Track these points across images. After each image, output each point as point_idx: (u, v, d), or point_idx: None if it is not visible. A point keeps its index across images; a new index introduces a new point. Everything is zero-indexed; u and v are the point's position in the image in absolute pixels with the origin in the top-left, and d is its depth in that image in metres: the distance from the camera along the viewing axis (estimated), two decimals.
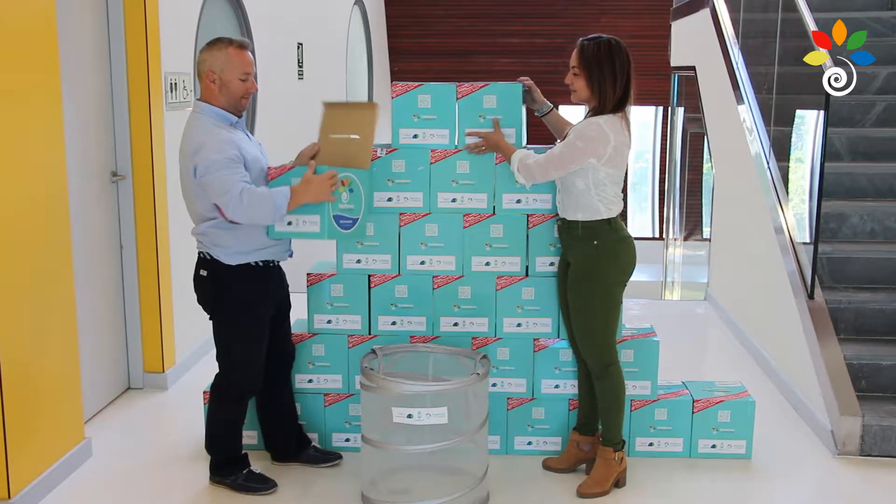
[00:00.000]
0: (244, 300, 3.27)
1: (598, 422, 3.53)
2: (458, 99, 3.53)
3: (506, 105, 3.51)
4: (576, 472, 3.59)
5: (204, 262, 3.25)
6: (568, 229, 3.33)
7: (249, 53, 3.22)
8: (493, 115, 3.52)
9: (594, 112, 3.24)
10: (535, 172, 3.27)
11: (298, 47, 7.46)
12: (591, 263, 3.28)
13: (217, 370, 3.38)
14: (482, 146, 3.48)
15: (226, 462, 3.43)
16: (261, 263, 3.27)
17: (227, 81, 3.14)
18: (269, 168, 3.29)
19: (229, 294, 3.25)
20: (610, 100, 3.20)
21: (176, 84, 4.61)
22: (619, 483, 3.45)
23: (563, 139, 3.30)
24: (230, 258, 3.21)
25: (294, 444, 3.63)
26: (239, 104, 3.20)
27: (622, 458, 3.44)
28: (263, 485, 3.42)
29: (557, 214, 3.45)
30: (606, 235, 3.26)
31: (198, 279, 3.29)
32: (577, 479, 3.53)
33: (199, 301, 3.36)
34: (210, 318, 3.35)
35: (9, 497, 3.14)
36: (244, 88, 3.18)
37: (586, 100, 3.27)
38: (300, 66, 7.50)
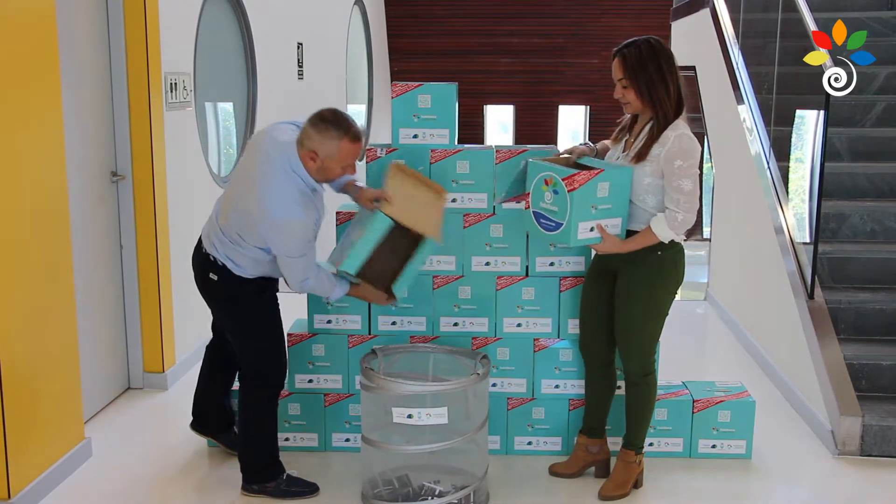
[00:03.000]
0: (260, 296, 3.28)
1: (605, 424, 3.53)
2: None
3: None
4: (583, 476, 3.58)
5: (215, 266, 3.19)
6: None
7: (361, 144, 3.12)
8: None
9: (660, 122, 3.09)
10: (692, 217, 3.07)
11: (298, 47, 7.46)
12: (654, 273, 3.20)
13: (245, 374, 3.34)
14: (605, 242, 3.16)
15: (266, 466, 3.37)
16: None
17: (328, 168, 3.06)
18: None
19: (245, 295, 3.24)
20: (669, 103, 3.08)
21: (176, 84, 4.61)
22: (636, 484, 3.46)
23: (633, 154, 3.12)
24: (242, 272, 3.20)
25: (222, 418, 3.65)
26: (326, 182, 3.17)
27: (641, 460, 3.45)
28: (307, 488, 3.40)
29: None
30: (669, 245, 3.19)
31: (207, 280, 3.25)
32: (575, 480, 3.54)
33: (210, 302, 3.34)
34: (223, 317, 3.34)
35: (9, 497, 3.14)
36: (341, 174, 3.13)
37: (642, 110, 3.16)
38: (300, 66, 7.50)
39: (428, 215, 3.33)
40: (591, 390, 3.52)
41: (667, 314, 3.30)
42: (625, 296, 3.25)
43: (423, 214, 3.30)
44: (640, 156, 3.11)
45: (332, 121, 3.03)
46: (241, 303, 3.26)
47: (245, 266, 3.18)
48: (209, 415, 3.66)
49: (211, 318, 3.54)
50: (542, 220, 3.17)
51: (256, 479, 3.36)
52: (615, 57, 3.14)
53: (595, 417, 3.52)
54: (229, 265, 3.18)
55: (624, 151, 3.22)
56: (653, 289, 3.23)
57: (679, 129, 3.08)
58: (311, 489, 3.40)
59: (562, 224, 3.09)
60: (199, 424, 3.68)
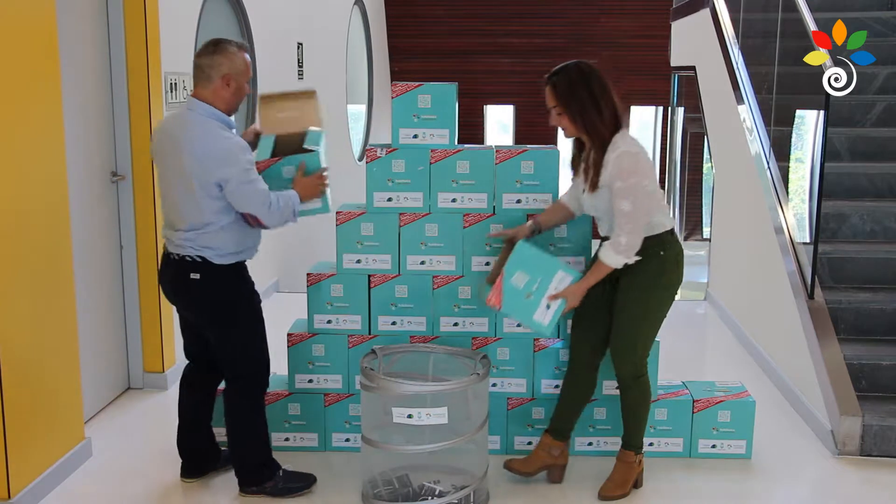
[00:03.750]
0: (243, 292, 3.28)
1: (573, 429, 3.51)
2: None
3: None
4: (579, 476, 3.58)
5: (193, 265, 3.17)
6: None
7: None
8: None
9: (598, 147, 3.11)
10: (636, 239, 3.09)
11: (298, 47, 7.46)
12: (657, 273, 3.21)
13: (231, 378, 3.31)
14: (569, 300, 3.23)
15: (262, 466, 3.35)
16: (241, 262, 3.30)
17: (241, 86, 3.18)
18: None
19: (229, 291, 3.24)
20: (603, 126, 3.09)
21: (176, 84, 4.61)
22: (636, 483, 3.46)
23: (587, 185, 3.15)
24: (221, 258, 3.19)
25: (214, 447, 3.55)
26: (236, 108, 3.25)
27: (641, 460, 3.45)
28: (304, 481, 3.41)
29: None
30: (671, 245, 3.22)
31: (187, 283, 3.19)
32: (573, 480, 3.54)
33: (192, 307, 3.29)
34: (206, 322, 3.29)
35: (9, 497, 3.14)
36: (246, 92, 3.25)
37: (579, 135, 3.18)
38: (300, 66, 7.50)
39: (302, 116, 3.41)
40: (568, 392, 3.48)
41: (665, 317, 3.30)
42: (627, 297, 3.24)
43: (297, 119, 3.40)
44: (594, 185, 3.15)
45: (219, 41, 3.18)
46: (225, 293, 3.22)
47: (222, 244, 3.16)
48: (202, 451, 3.53)
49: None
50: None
51: (254, 480, 3.35)
52: (546, 85, 3.15)
53: (565, 420, 3.48)
54: (207, 253, 3.15)
55: (585, 181, 3.21)
56: (655, 289, 3.23)
57: (618, 150, 3.08)
58: (308, 481, 3.41)
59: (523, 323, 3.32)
60: (193, 467, 3.51)
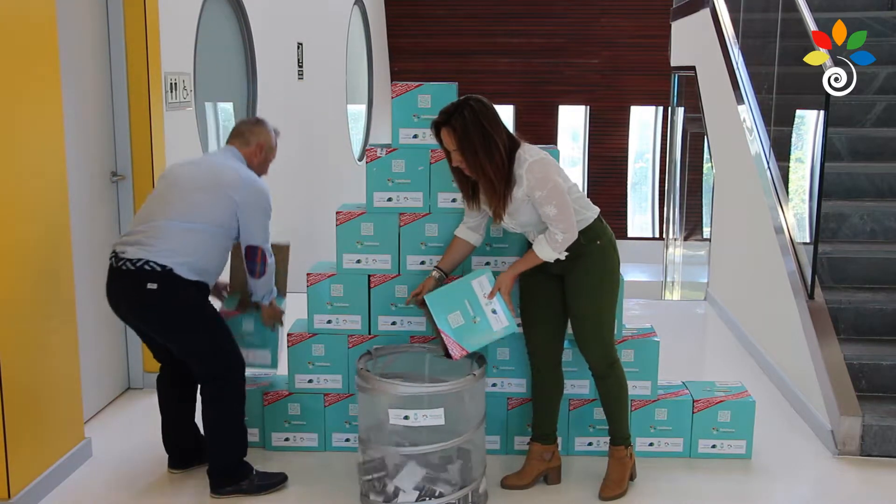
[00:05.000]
0: (198, 297, 3.27)
1: (556, 429, 3.50)
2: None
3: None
4: (575, 477, 3.58)
5: (153, 274, 3.13)
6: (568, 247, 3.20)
7: None
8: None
9: (495, 185, 3.10)
10: (572, 233, 3.13)
11: (298, 47, 7.46)
12: (601, 260, 3.26)
13: (206, 380, 3.31)
14: (504, 289, 3.25)
15: (239, 465, 3.37)
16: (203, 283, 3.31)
17: (268, 159, 3.55)
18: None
19: (184, 298, 3.21)
20: (501, 160, 3.08)
21: (176, 84, 4.61)
22: (632, 475, 3.47)
23: (499, 209, 3.15)
24: (189, 273, 3.18)
25: (199, 442, 3.57)
26: (263, 175, 3.55)
27: (632, 453, 3.45)
28: (276, 478, 3.44)
29: None
30: (604, 232, 3.27)
31: (143, 295, 3.14)
32: (572, 480, 3.54)
33: (149, 316, 3.24)
34: (166, 332, 3.26)
35: (9, 497, 3.14)
36: (268, 166, 3.60)
37: (475, 176, 3.15)
38: (300, 66, 7.50)
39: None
40: (541, 395, 3.47)
41: (618, 299, 3.36)
42: (581, 292, 3.28)
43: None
44: (500, 214, 3.17)
45: (261, 121, 3.59)
46: (183, 301, 3.20)
47: (201, 256, 3.21)
48: (186, 447, 3.56)
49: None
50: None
51: (227, 482, 3.35)
52: (442, 128, 3.11)
53: (545, 422, 3.48)
54: (172, 263, 3.14)
55: (491, 213, 3.21)
56: (603, 277, 3.28)
57: (525, 163, 3.10)
58: (280, 478, 3.45)
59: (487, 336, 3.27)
60: (179, 460, 3.56)
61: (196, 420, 3.59)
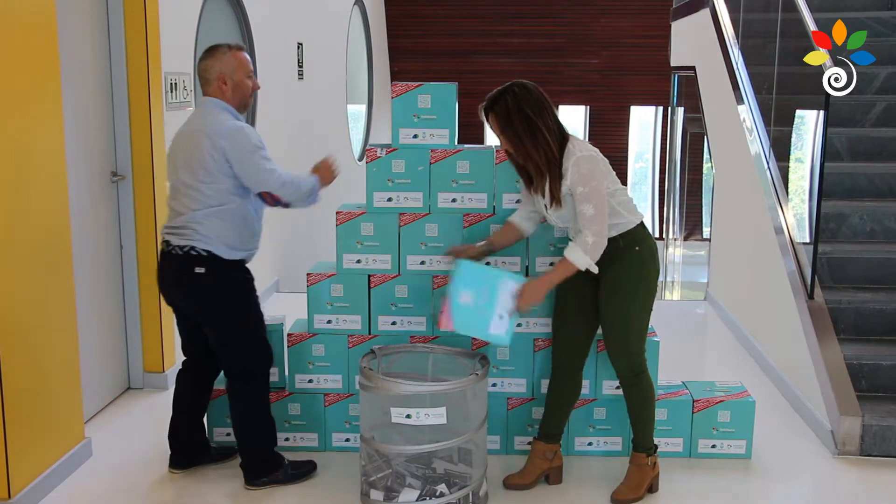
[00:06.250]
0: (246, 286, 3.35)
1: (563, 430, 3.50)
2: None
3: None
4: (575, 478, 3.58)
5: (199, 259, 3.22)
6: (606, 249, 3.14)
7: (245, 50, 3.42)
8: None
9: (542, 172, 3.10)
10: (602, 240, 3.08)
11: (298, 47, 7.46)
12: (636, 269, 3.22)
13: (235, 372, 3.35)
14: (530, 304, 3.19)
15: (272, 455, 3.43)
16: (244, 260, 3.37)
17: (239, 82, 3.31)
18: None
19: (232, 285, 3.29)
20: (550, 147, 3.08)
21: (176, 84, 4.61)
22: (652, 488, 3.43)
23: (551, 197, 3.12)
24: (228, 252, 3.24)
25: (203, 443, 3.61)
26: (247, 102, 3.40)
27: (655, 462, 3.42)
28: (307, 467, 3.51)
29: None
30: (645, 239, 3.23)
31: (192, 277, 3.23)
32: (572, 480, 3.54)
33: (194, 301, 3.31)
34: (209, 317, 3.33)
35: (9, 497, 3.14)
36: (251, 86, 3.37)
37: (523, 162, 3.15)
38: (300, 66, 7.50)
39: None
40: (556, 394, 3.46)
41: (651, 309, 3.31)
42: (612, 296, 3.24)
43: None
44: (556, 201, 3.14)
45: (213, 46, 3.35)
46: (229, 287, 3.28)
47: (227, 234, 3.22)
48: (193, 444, 3.58)
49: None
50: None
51: (261, 473, 3.40)
52: (488, 114, 3.13)
53: (555, 423, 3.47)
54: (214, 246, 3.20)
55: (544, 198, 3.19)
56: (638, 285, 3.24)
57: (573, 156, 3.08)
58: (311, 466, 3.52)
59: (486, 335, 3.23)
60: (182, 459, 3.56)
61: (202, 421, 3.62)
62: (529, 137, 3.07)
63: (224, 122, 3.23)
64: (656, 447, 3.43)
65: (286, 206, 3.39)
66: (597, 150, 3.16)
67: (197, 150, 3.19)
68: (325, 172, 3.48)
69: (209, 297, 3.29)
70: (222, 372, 3.49)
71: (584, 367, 3.45)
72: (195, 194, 3.22)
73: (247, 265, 3.38)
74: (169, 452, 3.60)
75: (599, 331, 3.39)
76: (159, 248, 3.36)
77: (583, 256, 3.08)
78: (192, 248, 3.22)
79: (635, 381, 3.33)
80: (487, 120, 3.16)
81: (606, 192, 3.11)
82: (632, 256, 3.20)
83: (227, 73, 3.29)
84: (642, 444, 3.39)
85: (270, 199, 3.33)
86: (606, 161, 3.17)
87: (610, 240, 3.15)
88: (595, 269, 3.12)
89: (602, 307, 3.28)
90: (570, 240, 3.20)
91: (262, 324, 3.41)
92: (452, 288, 3.18)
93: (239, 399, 3.38)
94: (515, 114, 3.07)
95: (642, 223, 3.25)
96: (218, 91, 3.29)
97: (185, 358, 3.54)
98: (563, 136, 3.13)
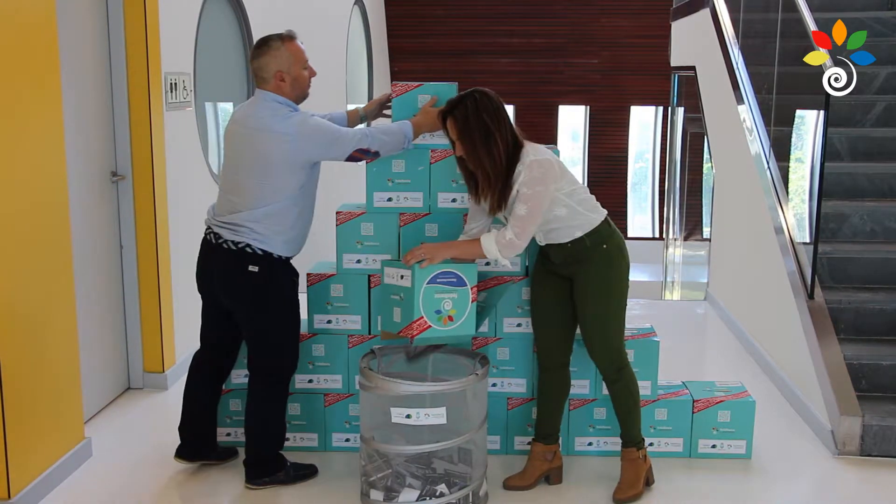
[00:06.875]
0: (292, 290, 3.36)
1: (559, 429, 3.51)
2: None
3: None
4: (575, 478, 3.58)
5: (254, 256, 3.21)
6: (573, 249, 3.20)
7: (297, 39, 3.35)
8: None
9: (492, 180, 3.10)
10: (520, 242, 3.10)
11: None
12: (607, 265, 3.24)
13: (262, 370, 3.36)
14: (421, 258, 3.17)
15: (277, 456, 3.44)
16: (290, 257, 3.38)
17: (297, 76, 3.28)
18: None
19: (281, 287, 3.30)
20: (503, 157, 3.08)
21: (176, 84, 4.61)
22: (648, 481, 3.45)
23: (498, 205, 3.13)
24: (283, 248, 3.25)
25: (213, 437, 3.60)
26: (306, 94, 3.36)
27: (646, 455, 3.44)
28: (309, 469, 3.52)
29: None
30: (611, 235, 3.26)
31: (245, 275, 3.23)
32: (572, 480, 3.54)
33: (242, 298, 3.29)
34: (251, 313, 3.31)
35: (9, 497, 3.14)
36: (309, 75, 3.35)
37: (474, 169, 3.15)
38: None
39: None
40: (546, 394, 3.48)
41: (626, 304, 3.33)
42: (587, 297, 3.26)
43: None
44: (501, 209, 3.15)
45: (264, 40, 3.28)
46: (278, 289, 3.29)
47: (285, 229, 3.23)
48: (204, 437, 3.56)
49: (200, 328, 3.52)
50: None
51: (264, 473, 3.40)
52: (446, 118, 3.14)
53: (550, 423, 3.49)
54: (269, 243, 3.21)
55: (487, 204, 3.20)
56: (611, 284, 3.26)
57: (528, 158, 3.10)
58: (313, 469, 3.52)
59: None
60: (191, 450, 3.54)
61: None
62: (484, 145, 3.08)
63: (285, 117, 3.19)
64: (644, 440, 3.44)
65: (376, 155, 3.32)
66: (553, 154, 3.18)
67: (261, 152, 3.17)
68: (428, 114, 3.40)
69: (258, 296, 3.27)
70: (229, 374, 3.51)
71: (569, 363, 3.46)
72: (256, 192, 3.20)
73: (291, 261, 3.37)
74: (168, 453, 3.59)
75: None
76: (204, 236, 3.33)
77: (494, 248, 3.12)
78: (248, 245, 3.22)
79: (618, 376, 3.35)
80: (445, 125, 3.16)
81: (564, 193, 3.13)
82: (600, 256, 3.23)
83: (284, 69, 3.24)
84: (632, 439, 3.40)
85: (359, 155, 3.27)
86: (562, 163, 3.20)
87: (576, 240, 3.19)
88: (504, 261, 3.18)
89: (578, 308, 3.30)
90: (543, 246, 3.26)
91: (299, 329, 3.41)
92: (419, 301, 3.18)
93: (258, 398, 3.38)
94: (474, 120, 3.08)
95: (607, 219, 3.27)
96: (276, 88, 3.24)
97: (199, 348, 3.53)
98: (516, 145, 3.14)
